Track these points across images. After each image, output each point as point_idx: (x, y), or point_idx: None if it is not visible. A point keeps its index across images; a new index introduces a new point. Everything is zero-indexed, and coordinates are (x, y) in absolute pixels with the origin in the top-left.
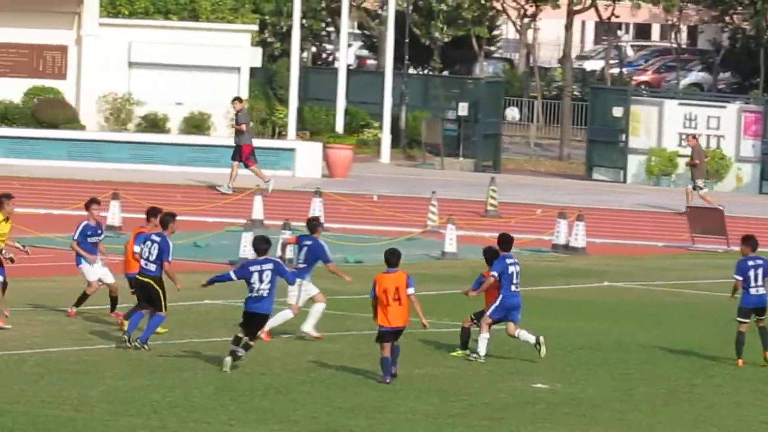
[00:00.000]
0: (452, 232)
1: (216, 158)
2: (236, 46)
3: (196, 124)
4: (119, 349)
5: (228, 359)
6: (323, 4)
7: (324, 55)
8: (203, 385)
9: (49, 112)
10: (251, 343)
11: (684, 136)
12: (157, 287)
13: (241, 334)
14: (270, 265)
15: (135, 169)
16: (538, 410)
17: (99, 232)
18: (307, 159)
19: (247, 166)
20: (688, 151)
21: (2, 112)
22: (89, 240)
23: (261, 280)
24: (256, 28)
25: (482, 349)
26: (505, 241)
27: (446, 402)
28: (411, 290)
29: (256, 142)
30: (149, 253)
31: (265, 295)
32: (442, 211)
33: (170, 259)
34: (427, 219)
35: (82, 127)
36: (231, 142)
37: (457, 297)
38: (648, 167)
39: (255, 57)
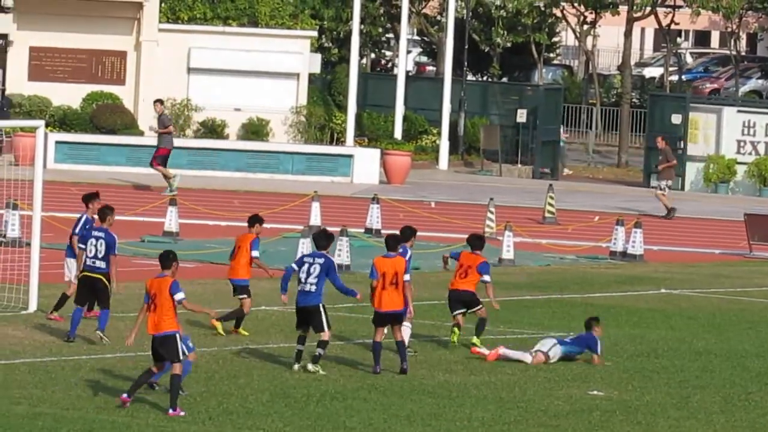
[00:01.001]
0: (509, 238)
1: (275, 164)
2: (295, 52)
3: (255, 130)
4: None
5: (296, 366)
6: (382, 11)
7: (383, 62)
8: (258, 391)
9: (107, 117)
10: (324, 338)
11: (741, 143)
12: (107, 282)
13: (301, 332)
14: (321, 260)
15: (193, 175)
16: (594, 418)
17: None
18: (366, 165)
19: (152, 165)
20: (745, 158)
21: (61, 117)
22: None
23: (309, 273)
24: (315, 34)
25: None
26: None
27: (502, 409)
28: (407, 276)
29: (316, 148)
30: (97, 249)
31: (312, 290)
32: (500, 217)
33: (116, 252)
34: (484, 226)
35: (141, 133)
36: (291, 148)
37: (514, 304)
38: (706, 174)
39: (314, 63)
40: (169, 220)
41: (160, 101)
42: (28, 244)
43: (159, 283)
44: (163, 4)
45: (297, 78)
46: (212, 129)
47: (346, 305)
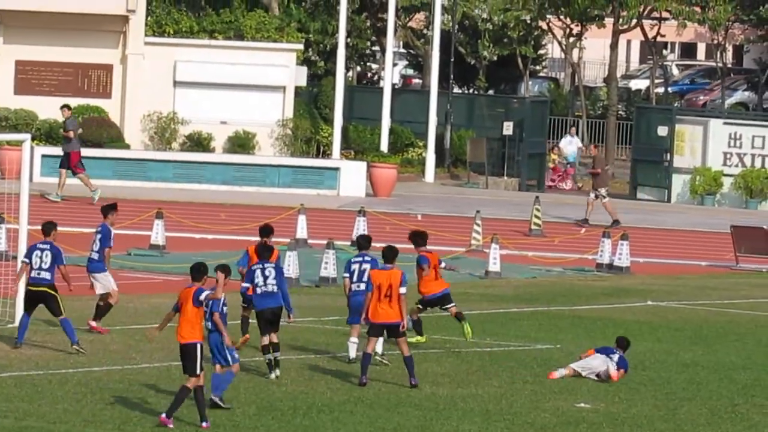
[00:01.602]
0: (496, 251)
1: (261, 177)
2: (281, 65)
3: (241, 143)
4: (162, 368)
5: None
6: (368, 24)
7: (369, 75)
8: (245, 404)
9: (94, 131)
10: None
11: (727, 155)
12: (54, 293)
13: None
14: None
15: (179, 188)
16: (581, 430)
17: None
18: (352, 178)
19: (74, 174)
20: (732, 170)
21: (47, 130)
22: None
23: (266, 277)
24: (301, 47)
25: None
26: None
27: (489, 422)
28: (403, 289)
29: (302, 161)
30: (42, 261)
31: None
32: (487, 230)
33: (65, 262)
34: (471, 238)
35: (127, 146)
36: (277, 161)
37: (501, 316)
38: (692, 186)
39: (300, 76)
40: (155, 233)
41: (67, 106)
42: (15, 258)
43: (188, 293)
44: (149, 18)
45: (283, 91)
46: (198, 142)
47: (332, 318)
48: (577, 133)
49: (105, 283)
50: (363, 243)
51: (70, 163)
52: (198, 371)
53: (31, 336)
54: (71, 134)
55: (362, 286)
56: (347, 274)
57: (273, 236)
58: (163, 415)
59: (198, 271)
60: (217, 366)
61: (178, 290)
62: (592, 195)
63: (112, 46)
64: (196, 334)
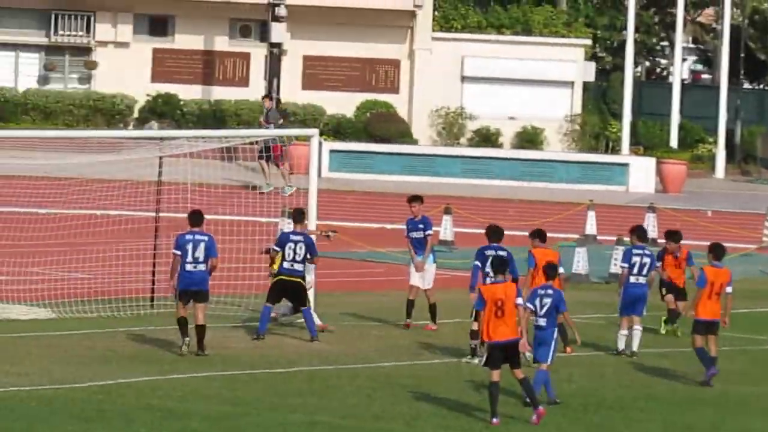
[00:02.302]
0: None
1: (549, 173)
2: (569, 61)
3: (529, 138)
4: (451, 364)
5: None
6: (656, 19)
7: (658, 70)
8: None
9: (381, 126)
10: None
11: None
12: (303, 284)
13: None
14: (504, 253)
15: (467, 184)
16: None
17: (420, 227)
18: (641, 174)
19: (277, 167)
20: None
21: (335, 125)
22: (411, 235)
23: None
24: (589, 42)
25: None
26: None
27: None
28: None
29: (590, 157)
30: (295, 253)
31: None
32: None
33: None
34: (762, 235)
35: (415, 142)
36: (565, 157)
37: None
38: None
39: (588, 71)
40: (444, 228)
41: (268, 96)
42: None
43: (504, 289)
44: (436, 13)
45: (571, 86)
46: (486, 137)
47: (599, 315)
48: None
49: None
50: (642, 235)
51: (274, 155)
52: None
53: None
54: (272, 126)
55: (641, 279)
56: (626, 264)
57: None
58: (495, 420)
59: (500, 264)
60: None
61: (465, 285)
62: None
63: (399, 41)
64: (516, 331)
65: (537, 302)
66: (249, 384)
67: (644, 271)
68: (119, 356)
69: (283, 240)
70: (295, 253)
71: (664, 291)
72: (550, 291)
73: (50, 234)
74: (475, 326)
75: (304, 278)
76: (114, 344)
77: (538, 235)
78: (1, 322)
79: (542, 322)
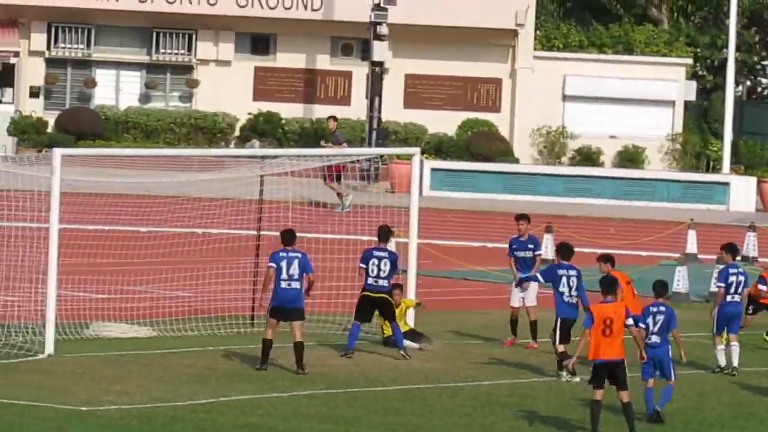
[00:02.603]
0: None
1: (650, 192)
2: (670, 80)
3: (630, 157)
4: (551, 382)
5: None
6: (757, 38)
7: (759, 89)
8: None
9: (483, 145)
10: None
11: None
12: (390, 299)
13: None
14: (574, 272)
15: (569, 203)
16: None
17: (529, 246)
18: (741, 193)
19: (325, 181)
20: None
21: (437, 144)
22: (517, 254)
23: (569, 286)
24: (690, 61)
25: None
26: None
27: None
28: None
29: (691, 176)
30: (380, 269)
31: (572, 301)
32: None
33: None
34: None
35: (516, 160)
36: (666, 176)
37: None
38: None
39: (689, 90)
40: (545, 247)
41: (333, 117)
42: (405, 271)
43: (614, 309)
44: (537, 32)
45: (672, 105)
46: (587, 156)
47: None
48: None
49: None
50: (736, 253)
51: (333, 173)
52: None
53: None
54: (345, 146)
55: (736, 298)
56: (722, 284)
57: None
58: None
59: (610, 284)
60: (650, 380)
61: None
62: None
63: (501, 60)
64: (622, 350)
65: (650, 320)
66: (349, 402)
67: (740, 290)
68: (219, 374)
69: (367, 256)
70: (379, 269)
71: (750, 309)
72: (662, 308)
73: (151, 252)
74: (561, 348)
75: (390, 293)
76: (214, 362)
77: (609, 259)
78: (103, 340)
79: (655, 339)
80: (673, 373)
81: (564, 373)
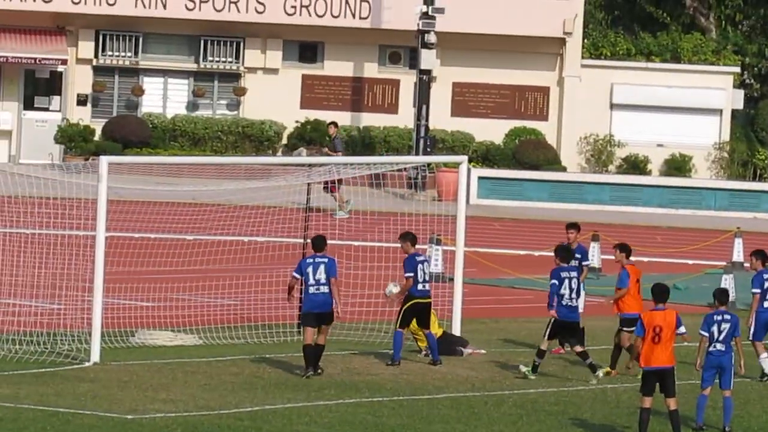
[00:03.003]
0: None
1: (697, 200)
2: (717, 88)
3: (677, 166)
4: (597, 389)
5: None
6: None
7: None
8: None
9: (530, 153)
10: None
11: None
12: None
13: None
14: (575, 273)
15: (616, 211)
16: None
17: (577, 256)
18: None
19: (330, 191)
20: None
21: (484, 152)
22: None
23: (570, 288)
24: (737, 70)
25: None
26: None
27: None
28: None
29: (739, 184)
30: (425, 274)
31: (572, 304)
32: None
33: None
34: None
35: (563, 169)
36: (713, 184)
37: None
38: None
39: (737, 99)
40: (592, 255)
41: (334, 123)
42: (451, 279)
43: (664, 317)
44: (585, 40)
45: (719, 114)
46: (635, 164)
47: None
48: None
49: None
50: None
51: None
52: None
53: (466, 357)
54: (340, 155)
55: None
56: (757, 290)
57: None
58: None
59: (664, 293)
60: (709, 388)
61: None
62: None
63: (548, 68)
64: (672, 358)
65: (714, 328)
66: (395, 410)
67: None
68: (265, 382)
69: (413, 264)
70: (425, 273)
71: None
72: (728, 316)
73: (197, 260)
74: (544, 345)
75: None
76: (260, 370)
77: (624, 249)
78: (148, 348)
79: (720, 347)
80: (731, 384)
81: (522, 366)
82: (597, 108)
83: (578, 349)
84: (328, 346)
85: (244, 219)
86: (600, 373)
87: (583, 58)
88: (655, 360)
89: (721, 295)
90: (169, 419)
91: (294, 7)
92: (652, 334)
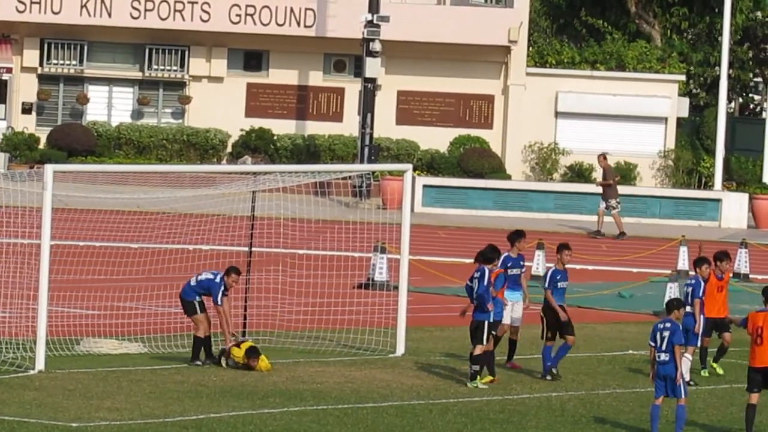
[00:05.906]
0: None
1: (642, 208)
2: (663, 96)
3: (622, 174)
4: (542, 398)
5: None
6: (750, 55)
7: (751, 106)
8: None
9: (475, 161)
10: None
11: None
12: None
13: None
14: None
15: (560, 219)
16: None
17: (521, 263)
18: (733, 209)
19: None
20: None
21: (429, 160)
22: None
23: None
24: (683, 78)
25: None
26: None
27: None
28: None
29: (683, 192)
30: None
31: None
32: None
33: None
34: None
35: (508, 177)
36: (658, 192)
37: None
38: None
39: (682, 107)
40: (536, 264)
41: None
42: (396, 288)
43: (765, 317)
44: (530, 48)
45: (665, 122)
46: (579, 173)
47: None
48: None
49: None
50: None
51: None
52: None
53: (412, 366)
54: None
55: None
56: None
57: None
58: None
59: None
60: None
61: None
62: (602, 205)
63: (493, 76)
64: None
65: (658, 337)
66: (340, 419)
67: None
68: (210, 391)
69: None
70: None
71: None
72: (668, 324)
73: (142, 268)
74: (477, 350)
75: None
76: (205, 379)
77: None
78: (93, 356)
79: (664, 357)
80: None
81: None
82: (542, 116)
83: (472, 350)
84: (272, 355)
85: (189, 227)
86: (477, 383)
87: (528, 66)
88: (759, 360)
89: (668, 303)
90: (113, 427)
91: (239, 15)
92: (754, 335)
